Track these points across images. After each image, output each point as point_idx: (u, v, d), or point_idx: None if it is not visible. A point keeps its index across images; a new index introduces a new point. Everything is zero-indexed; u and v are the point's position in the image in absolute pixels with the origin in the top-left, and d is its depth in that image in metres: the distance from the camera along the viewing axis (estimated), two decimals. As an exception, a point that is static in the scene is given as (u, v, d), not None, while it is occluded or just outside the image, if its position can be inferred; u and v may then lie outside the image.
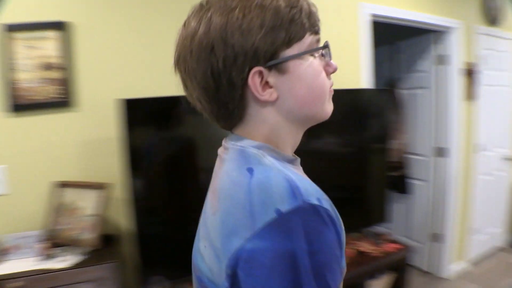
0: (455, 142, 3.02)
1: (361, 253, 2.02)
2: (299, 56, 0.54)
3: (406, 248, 2.17)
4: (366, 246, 2.06)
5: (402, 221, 3.46)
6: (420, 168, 3.25)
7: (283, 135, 0.58)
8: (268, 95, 0.54)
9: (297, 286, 0.42)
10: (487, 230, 3.59)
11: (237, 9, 0.51)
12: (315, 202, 0.46)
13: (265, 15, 0.51)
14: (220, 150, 0.61)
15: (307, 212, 0.45)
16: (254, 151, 0.54)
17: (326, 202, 0.48)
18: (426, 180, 3.21)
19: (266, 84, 0.54)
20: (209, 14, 0.52)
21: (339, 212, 0.51)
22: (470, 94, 3.08)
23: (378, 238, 2.17)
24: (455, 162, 3.05)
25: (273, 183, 0.47)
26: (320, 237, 0.45)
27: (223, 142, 0.62)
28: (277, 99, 0.55)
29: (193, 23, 0.54)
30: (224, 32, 0.51)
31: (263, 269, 0.43)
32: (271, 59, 0.53)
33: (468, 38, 3.10)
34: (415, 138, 3.28)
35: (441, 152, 3.07)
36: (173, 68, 0.59)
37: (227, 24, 0.51)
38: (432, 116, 3.11)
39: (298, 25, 0.53)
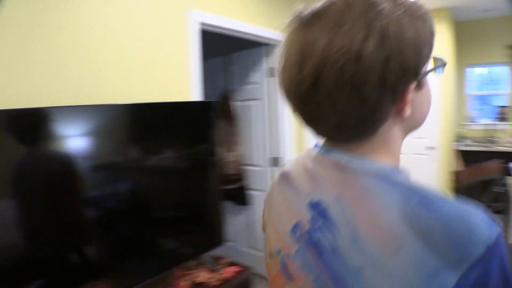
0: (288, 151, 3.17)
1: (198, 285, 1.84)
2: (432, 70, 0.55)
3: (246, 269, 2.10)
4: (203, 276, 1.89)
5: (245, 232, 3.49)
6: (258, 178, 3.32)
7: (398, 153, 0.58)
8: (408, 111, 0.53)
9: None
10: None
11: (407, 19, 0.49)
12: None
13: (426, 27, 0.51)
14: (320, 160, 0.59)
15: (501, 238, 0.45)
16: (402, 178, 0.52)
17: None
18: (264, 190, 3.29)
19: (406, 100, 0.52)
20: (378, 24, 0.47)
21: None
22: (298, 104, 3.27)
23: (216, 263, 2.04)
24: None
25: (466, 216, 0.46)
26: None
27: (323, 158, 0.58)
28: (405, 113, 0.53)
29: (349, 31, 0.47)
30: (414, 35, 0.49)
31: None
32: (420, 75, 0.52)
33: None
34: (251, 149, 3.34)
35: (276, 161, 3.19)
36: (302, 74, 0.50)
37: (403, 36, 0.48)
38: (266, 127, 3.20)
39: (433, 45, 0.54)
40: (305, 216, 0.57)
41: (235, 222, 3.57)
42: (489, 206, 2.13)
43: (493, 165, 2.08)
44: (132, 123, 1.74)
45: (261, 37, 2.87)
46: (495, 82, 5.81)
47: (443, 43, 4.90)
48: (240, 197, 3.39)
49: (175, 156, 1.91)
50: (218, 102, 3.38)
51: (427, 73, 0.54)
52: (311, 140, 3.50)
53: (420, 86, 0.54)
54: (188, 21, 2.25)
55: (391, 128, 0.55)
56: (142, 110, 1.78)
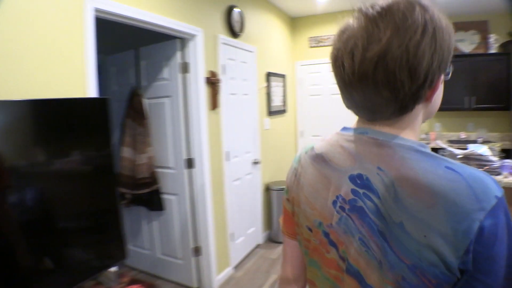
0: (205, 152, 3.02)
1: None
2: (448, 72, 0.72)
3: (150, 285, 1.93)
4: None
5: (160, 238, 3.29)
6: (172, 181, 3.13)
7: (419, 133, 0.74)
8: (433, 98, 0.71)
9: (510, 247, 0.61)
10: (247, 232, 3.83)
11: (445, 25, 0.66)
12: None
13: (453, 35, 0.68)
14: (358, 139, 0.72)
15: (504, 196, 0.62)
16: (428, 150, 0.67)
17: None
18: (179, 194, 3.11)
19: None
20: (430, 24, 0.63)
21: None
22: (215, 102, 3.14)
23: (117, 281, 1.84)
24: (206, 171, 3.05)
25: (481, 176, 0.62)
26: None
27: (362, 136, 0.72)
28: (430, 102, 0.71)
29: (412, 24, 0.62)
30: (445, 39, 0.65)
31: (496, 239, 0.59)
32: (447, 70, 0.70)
33: (212, 47, 3.16)
34: (164, 150, 3.13)
35: (191, 163, 3.03)
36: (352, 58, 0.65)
37: (443, 37, 0.64)
38: (180, 127, 3.01)
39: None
40: (346, 188, 0.70)
41: (150, 229, 3.36)
42: None
43: None
44: (14, 123, 1.46)
45: (173, 29, 2.67)
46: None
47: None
48: (153, 202, 3.18)
49: (65, 159, 1.65)
50: (135, 98, 3.13)
51: (448, 72, 0.71)
52: (229, 140, 3.40)
53: (441, 80, 0.70)
54: (85, 9, 1.98)
55: (419, 111, 0.72)
56: (22, 108, 1.51)
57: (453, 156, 2.46)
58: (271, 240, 4.23)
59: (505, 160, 2.18)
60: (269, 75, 4.38)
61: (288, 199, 0.89)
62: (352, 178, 0.70)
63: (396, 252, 0.64)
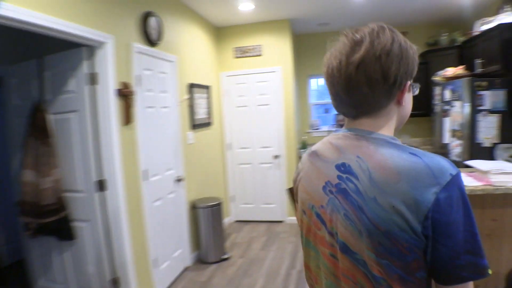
0: (118, 172, 2.75)
1: None
2: (414, 85, 0.95)
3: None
4: None
5: (74, 271, 2.93)
6: (82, 206, 2.81)
7: (393, 130, 0.94)
8: (403, 102, 0.91)
9: (467, 213, 0.78)
10: (173, 256, 3.58)
11: (409, 44, 0.90)
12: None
13: (415, 54, 0.90)
14: (343, 136, 0.94)
15: (460, 174, 0.80)
16: (398, 142, 0.87)
17: None
18: (91, 220, 2.79)
19: (403, 93, 0.90)
20: (397, 39, 0.87)
21: None
22: (128, 117, 2.89)
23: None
24: (121, 193, 2.77)
25: (438, 159, 0.80)
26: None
27: (346, 133, 0.93)
28: (402, 105, 0.92)
29: (383, 39, 0.86)
30: (409, 54, 0.87)
31: (451, 208, 0.76)
32: (411, 79, 0.91)
33: (125, 56, 2.92)
34: (72, 172, 2.81)
35: (103, 185, 2.74)
36: (336, 67, 0.89)
37: (407, 50, 0.87)
38: (89, 145, 2.71)
39: (415, 69, 0.91)
40: (333, 175, 0.90)
41: (62, 261, 2.99)
42: None
43: None
44: None
45: (78, 36, 2.39)
46: (333, 92, 6.33)
47: (286, 53, 5.10)
48: (62, 230, 2.83)
49: None
50: (30, 115, 2.78)
51: (412, 84, 0.93)
52: (146, 157, 3.15)
53: (409, 89, 0.92)
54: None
55: (392, 111, 0.91)
56: None
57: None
58: (201, 261, 4.01)
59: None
60: (191, 86, 4.19)
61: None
62: (338, 167, 0.90)
63: (372, 222, 0.80)
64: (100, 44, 2.65)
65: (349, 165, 0.87)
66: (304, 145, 5.87)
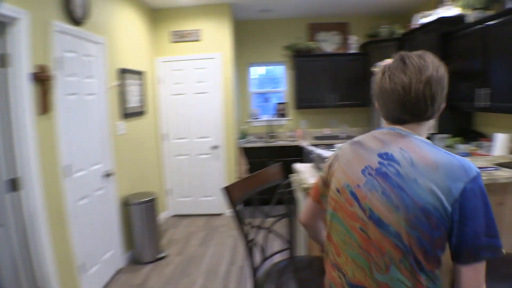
0: (34, 168, 2.40)
1: None
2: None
3: None
4: None
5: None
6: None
7: (426, 135, 1.17)
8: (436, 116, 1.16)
9: (485, 202, 0.98)
10: (104, 258, 3.27)
11: (444, 70, 1.12)
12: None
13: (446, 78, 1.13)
14: (387, 133, 1.14)
15: (480, 173, 1.02)
16: (431, 143, 1.09)
17: None
18: (4, 225, 2.41)
19: None
20: (436, 68, 1.08)
21: None
22: (46, 105, 2.53)
23: None
24: (38, 193, 2.44)
25: (467, 160, 1.02)
26: None
27: (390, 131, 1.14)
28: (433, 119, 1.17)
29: (435, 63, 1.09)
30: (443, 81, 1.10)
31: (475, 197, 0.98)
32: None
33: (43, 35, 2.54)
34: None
35: (17, 183, 2.39)
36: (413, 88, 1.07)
37: (444, 78, 1.10)
38: (-3, 138, 2.35)
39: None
40: (374, 161, 1.10)
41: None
42: (275, 215, 2.00)
43: (273, 170, 1.91)
44: None
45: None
46: (274, 81, 6.24)
47: (226, 39, 4.90)
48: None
49: None
50: None
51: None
52: (69, 151, 2.81)
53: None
54: None
55: (430, 123, 1.17)
56: None
57: (321, 159, 2.37)
58: (135, 261, 3.73)
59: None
60: (123, 72, 3.84)
61: (322, 176, 1.33)
62: (380, 155, 1.09)
63: (412, 198, 0.99)
64: (13, 20, 2.27)
65: (391, 154, 1.07)
66: (243, 135, 5.74)
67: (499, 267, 1.60)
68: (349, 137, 5.59)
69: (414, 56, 1.09)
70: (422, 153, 1.03)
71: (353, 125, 5.98)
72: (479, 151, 3.50)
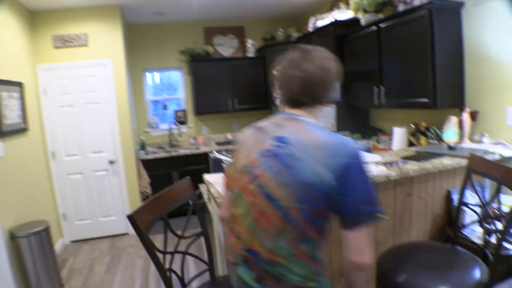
0: None
1: None
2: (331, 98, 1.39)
3: None
4: None
5: None
6: None
7: (320, 121, 1.34)
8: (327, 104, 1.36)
9: (365, 175, 1.17)
10: None
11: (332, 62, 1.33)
12: None
13: (336, 68, 1.34)
14: (284, 118, 1.32)
15: (359, 149, 1.20)
16: (321, 125, 1.27)
17: None
18: None
19: None
20: (331, 59, 1.32)
21: None
22: None
23: None
24: None
25: (346, 138, 1.21)
26: None
27: (288, 116, 1.32)
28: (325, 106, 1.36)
29: (326, 53, 1.33)
30: (335, 72, 1.31)
31: (355, 171, 1.15)
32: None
33: None
34: None
35: None
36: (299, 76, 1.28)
37: (336, 69, 1.32)
38: None
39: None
40: (270, 143, 1.25)
41: None
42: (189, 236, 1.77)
43: (182, 185, 1.75)
44: None
45: None
46: (171, 87, 6.01)
47: (117, 44, 4.56)
48: None
49: None
50: None
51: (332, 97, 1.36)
52: None
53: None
54: None
55: (322, 110, 1.34)
56: None
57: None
58: (30, 301, 3.23)
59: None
60: (-3, 83, 3.31)
61: (231, 163, 1.44)
62: (275, 138, 1.25)
63: (300, 175, 1.14)
64: None
65: (285, 137, 1.23)
66: (143, 146, 5.42)
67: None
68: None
69: (313, 49, 1.31)
70: (311, 135, 1.19)
71: (255, 128, 6.06)
72: (379, 146, 3.77)
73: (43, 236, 3.26)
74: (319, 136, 1.19)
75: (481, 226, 1.94)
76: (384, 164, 2.34)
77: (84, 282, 3.56)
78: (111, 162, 4.69)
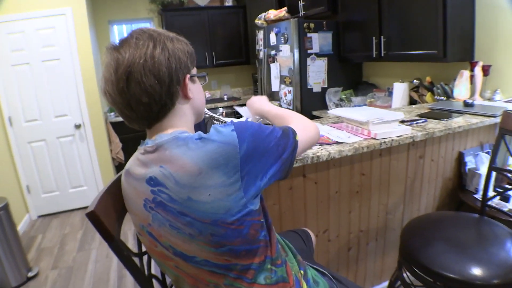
0: None
1: None
2: (198, 75, 1.07)
3: None
4: None
5: None
6: None
7: (191, 124, 1.05)
8: (191, 94, 1.01)
9: (266, 148, 0.94)
10: None
11: (175, 41, 0.98)
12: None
13: (187, 47, 1.01)
14: (146, 149, 0.96)
15: (243, 129, 0.91)
16: (186, 135, 0.92)
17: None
18: None
19: (186, 88, 0.99)
20: (159, 40, 0.94)
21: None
22: None
23: None
24: None
25: (222, 127, 0.91)
26: None
27: (146, 146, 0.96)
28: (192, 97, 1.02)
29: (144, 44, 0.91)
30: (176, 48, 0.97)
31: (255, 157, 0.90)
32: (189, 72, 1.01)
33: None
34: None
35: None
36: (113, 85, 0.91)
37: (174, 46, 0.96)
38: None
39: (195, 57, 1.04)
40: (147, 191, 0.92)
41: None
42: None
43: None
44: None
45: None
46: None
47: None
48: None
49: None
50: None
51: (195, 75, 1.05)
52: None
53: (193, 80, 1.04)
54: None
55: (182, 108, 1.01)
56: None
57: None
58: (-5, 288, 2.96)
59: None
60: None
61: None
62: (147, 181, 0.92)
63: (197, 219, 0.86)
64: None
65: (155, 177, 0.91)
66: (113, 108, 5.02)
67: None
68: (234, 99, 5.32)
69: (122, 42, 0.99)
70: (180, 162, 0.87)
71: (236, 85, 5.74)
72: (377, 103, 3.55)
73: (2, 215, 2.92)
74: (190, 159, 0.86)
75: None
76: (406, 123, 2.12)
77: (54, 263, 3.29)
78: (77, 127, 4.31)
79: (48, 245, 3.65)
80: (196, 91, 1.04)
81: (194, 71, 1.03)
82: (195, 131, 0.96)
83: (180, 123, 0.99)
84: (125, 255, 0.99)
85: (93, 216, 0.92)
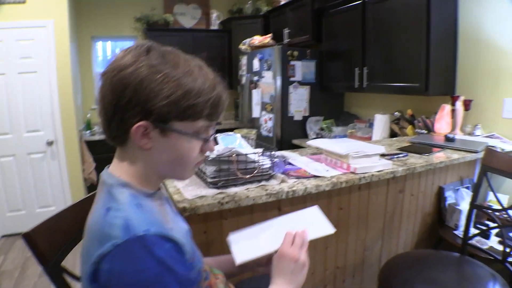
0: None
1: None
2: (182, 133, 0.79)
3: None
4: None
5: None
6: None
7: (144, 178, 0.83)
8: (147, 144, 0.79)
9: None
10: None
11: (162, 74, 0.74)
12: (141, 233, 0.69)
13: (176, 91, 0.74)
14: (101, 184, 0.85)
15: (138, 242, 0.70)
16: (115, 190, 0.78)
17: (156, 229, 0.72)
18: None
19: (146, 135, 0.77)
20: (143, 62, 0.74)
21: None
22: None
23: None
24: None
25: (112, 221, 0.71)
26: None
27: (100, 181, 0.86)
28: (150, 149, 0.79)
29: (127, 59, 0.75)
30: (140, 83, 0.74)
31: (109, 284, 0.67)
32: (161, 122, 0.76)
33: None
34: None
35: None
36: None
37: (147, 79, 0.73)
38: None
39: (196, 109, 0.78)
40: None
41: None
42: None
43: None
44: None
45: None
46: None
47: (60, 2, 3.97)
48: None
49: None
50: None
51: (176, 130, 0.78)
52: None
53: (163, 133, 0.78)
54: None
55: (137, 153, 0.81)
56: None
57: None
58: None
59: (271, 154, 1.77)
60: None
61: None
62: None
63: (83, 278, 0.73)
64: None
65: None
66: (89, 125, 4.87)
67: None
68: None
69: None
70: (92, 214, 0.79)
71: (217, 109, 5.68)
72: (357, 134, 3.52)
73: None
74: (91, 215, 0.78)
75: (501, 235, 1.71)
76: (387, 156, 2.07)
77: (15, 287, 3.07)
78: (50, 143, 4.14)
79: (9, 267, 3.42)
80: (163, 146, 0.80)
81: (181, 125, 0.79)
82: None
83: (127, 171, 0.82)
84: (60, 280, 0.98)
85: (28, 238, 0.91)
